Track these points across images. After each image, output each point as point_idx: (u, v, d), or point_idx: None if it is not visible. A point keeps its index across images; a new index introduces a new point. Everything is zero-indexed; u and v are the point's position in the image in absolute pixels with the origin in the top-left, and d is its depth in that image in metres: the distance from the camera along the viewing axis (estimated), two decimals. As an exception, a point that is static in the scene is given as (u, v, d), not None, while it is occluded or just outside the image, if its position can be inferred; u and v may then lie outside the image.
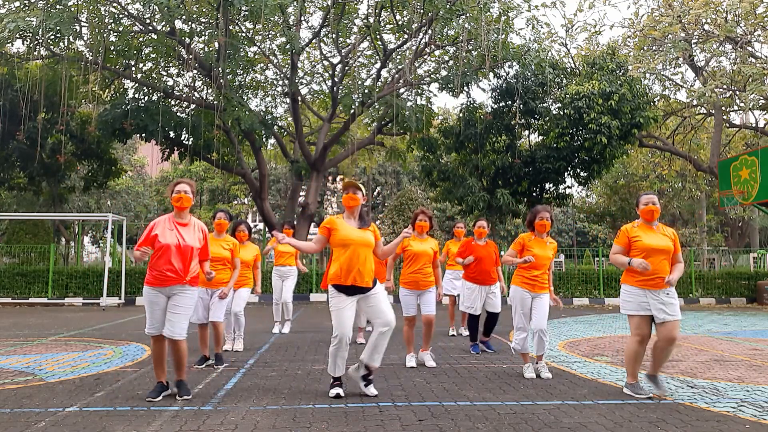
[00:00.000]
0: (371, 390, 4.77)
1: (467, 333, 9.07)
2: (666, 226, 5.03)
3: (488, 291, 7.05)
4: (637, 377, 4.87)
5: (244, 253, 6.92)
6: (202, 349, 6.15)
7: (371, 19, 17.89)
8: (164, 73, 18.88)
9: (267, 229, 20.63)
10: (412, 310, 6.20)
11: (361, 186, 4.86)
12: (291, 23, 16.98)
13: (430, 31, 17.58)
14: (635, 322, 4.78)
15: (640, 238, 4.81)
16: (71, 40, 15.70)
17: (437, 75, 18.69)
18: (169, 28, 16.04)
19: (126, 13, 16.23)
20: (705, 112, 23.05)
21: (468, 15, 15.86)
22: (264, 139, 19.08)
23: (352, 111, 17.65)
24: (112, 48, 16.40)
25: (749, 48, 19.01)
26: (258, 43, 18.91)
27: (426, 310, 6.21)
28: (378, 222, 35.29)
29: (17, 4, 15.36)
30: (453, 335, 8.85)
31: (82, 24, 15.81)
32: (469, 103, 19.03)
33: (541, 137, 19.52)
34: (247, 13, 15.37)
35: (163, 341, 4.68)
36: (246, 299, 7.12)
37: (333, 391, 4.71)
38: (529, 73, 17.89)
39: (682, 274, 4.87)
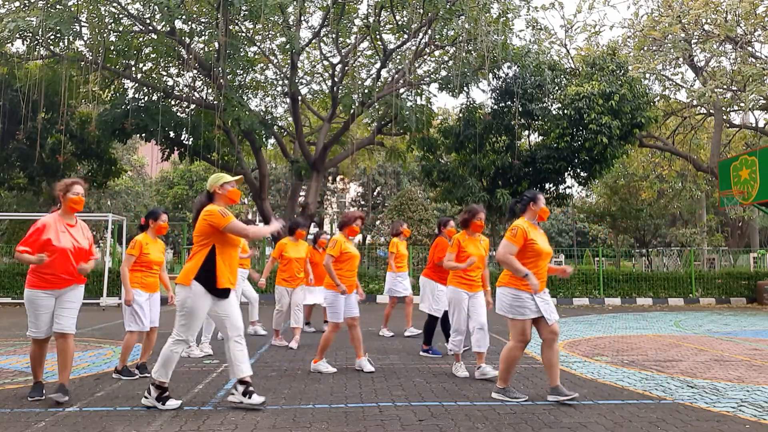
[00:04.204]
0: (255, 399, 4.27)
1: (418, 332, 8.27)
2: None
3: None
4: (509, 381, 4.68)
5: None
6: (143, 356, 5.64)
7: (371, 19, 17.89)
8: (164, 73, 18.88)
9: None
10: (339, 316, 5.65)
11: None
12: (291, 23, 16.98)
13: (429, 32, 17.59)
14: (523, 326, 4.52)
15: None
16: (71, 40, 15.69)
17: (437, 75, 18.70)
18: (169, 28, 16.04)
19: (126, 13, 16.23)
20: (705, 112, 23.04)
21: (468, 15, 15.87)
22: (264, 139, 19.08)
23: (352, 111, 17.65)
24: (112, 48, 16.40)
25: (749, 48, 19.01)
26: (258, 43, 18.90)
27: (350, 312, 5.71)
28: (378, 222, 35.24)
29: (17, 4, 15.36)
30: (404, 335, 8.45)
31: (82, 24, 15.81)
32: (468, 104, 19.03)
33: (541, 137, 19.52)
34: (247, 13, 15.36)
35: (46, 343, 4.56)
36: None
37: (171, 403, 4.27)
38: (529, 74, 17.89)
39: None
